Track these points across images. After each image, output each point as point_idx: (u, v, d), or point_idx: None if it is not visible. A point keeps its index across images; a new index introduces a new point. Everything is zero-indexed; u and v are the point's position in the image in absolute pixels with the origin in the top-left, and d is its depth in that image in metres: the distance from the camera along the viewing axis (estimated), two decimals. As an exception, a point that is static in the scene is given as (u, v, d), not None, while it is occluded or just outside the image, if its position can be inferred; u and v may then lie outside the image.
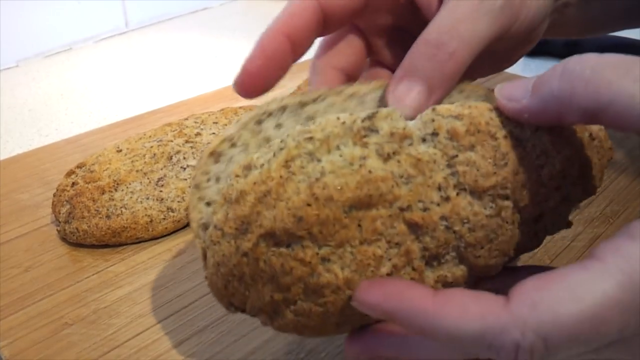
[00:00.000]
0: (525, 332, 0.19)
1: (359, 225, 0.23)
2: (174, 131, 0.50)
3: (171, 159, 0.47)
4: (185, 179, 0.46)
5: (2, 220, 0.47)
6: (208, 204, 0.27)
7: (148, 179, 0.45)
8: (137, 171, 0.46)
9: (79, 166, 0.47)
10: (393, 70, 0.32)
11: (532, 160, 0.24)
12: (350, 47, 0.32)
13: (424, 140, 0.24)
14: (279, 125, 0.27)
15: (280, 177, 0.23)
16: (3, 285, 0.40)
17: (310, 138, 0.23)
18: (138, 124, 0.62)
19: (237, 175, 0.24)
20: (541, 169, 0.25)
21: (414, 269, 0.24)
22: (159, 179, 0.45)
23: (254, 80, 0.28)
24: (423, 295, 0.21)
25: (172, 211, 0.44)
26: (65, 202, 0.44)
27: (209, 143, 0.48)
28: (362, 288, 0.23)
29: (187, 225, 0.46)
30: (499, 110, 0.24)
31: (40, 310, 0.38)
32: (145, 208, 0.44)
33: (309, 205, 0.23)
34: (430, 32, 0.26)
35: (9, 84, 0.78)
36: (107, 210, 0.43)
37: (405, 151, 0.23)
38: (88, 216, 0.43)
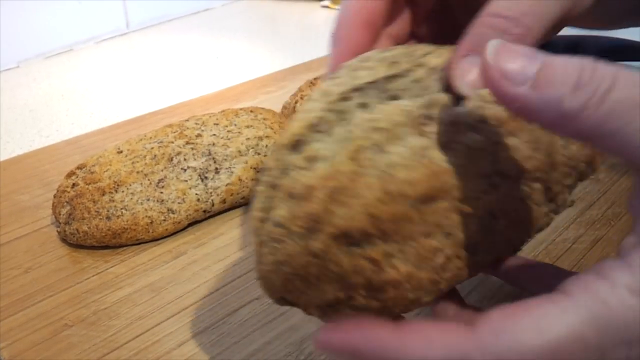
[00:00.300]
0: (486, 359, 0.20)
1: (423, 219, 0.23)
2: (174, 132, 0.50)
3: (172, 160, 0.47)
4: (186, 180, 0.45)
5: (2, 221, 0.47)
6: None
7: (148, 180, 0.45)
8: (137, 172, 0.45)
9: (80, 167, 0.47)
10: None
11: (557, 141, 0.25)
12: (400, 16, 0.31)
13: (472, 127, 0.23)
14: (363, 105, 0.25)
15: (351, 171, 0.22)
16: (3, 286, 0.40)
17: (377, 128, 0.22)
18: (139, 125, 0.62)
19: (300, 167, 0.23)
20: (564, 149, 0.25)
21: (459, 258, 0.24)
22: (160, 180, 0.45)
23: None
24: (386, 330, 0.21)
25: (173, 212, 0.44)
26: (65, 203, 0.44)
27: (210, 144, 0.48)
28: (323, 332, 0.23)
29: (188, 226, 0.46)
30: None
31: (40, 312, 0.38)
32: (146, 209, 0.44)
33: (382, 202, 0.22)
34: (503, 6, 0.24)
35: (9, 84, 0.78)
36: (108, 211, 0.43)
37: (458, 139, 0.23)
38: (88, 217, 0.43)
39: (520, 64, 0.20)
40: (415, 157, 0.22)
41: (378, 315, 0.23)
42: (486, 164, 0.23)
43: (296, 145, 0.24)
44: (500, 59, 0.20)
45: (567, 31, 0.39)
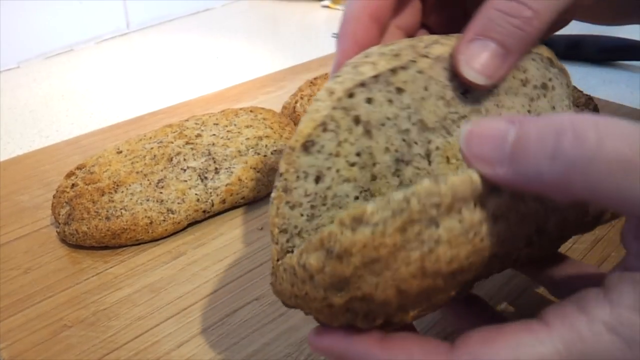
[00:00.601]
0: None
1: (448, 285, 0.22)
2: (174, 132, 0.50)
3: (171, 160, 0.46)
4: (186, 181, 0.45)
5: (2, 221, 0.47)
6: (292, 207, 0.25)
7: (148, 180, 0.45)
8: (137, 173, 0.45)
9: (79, 167, 0.47)
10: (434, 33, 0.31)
11: None
12: (409, 6, 0.31)
13: (533, 196, 0.23)
14: (369, 100, 0.25)
15: (394, 245, 0.20)
16: (2, 287, 0.40)
17: (438, 205, 0.20)
18: (139, 125, 0.62)
19: (343, 225, 0.21)
20: None
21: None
22: (159, 181, 0.45)
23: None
24: (372, 341, 0.22)
25: (172, 213, 0.44)
26: (64, 204, 0.44)
27: (209, 144, 0.48)
28: (314, 333, 0.24)
29: (187, 227, 0.46)
30: None
31: (40, 312, 0.38)
32: (145, 210, 0.44)
33: (415, 277, 0.21)
34: None
35: (9, 85, 0.78)
36: (107, 211, 0.43)
37: (516, 207, 0.22)
38: (88, 218, 0.43)
39: (492, 145, 0.19)
40: (465, 234, 0.21)
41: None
42: (532, 226, 0.23)
43: (308, 146, 0.24)
44: (473, 147, 0.20)
45: (569, 30, 0.39)
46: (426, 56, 0.25)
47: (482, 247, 0.22)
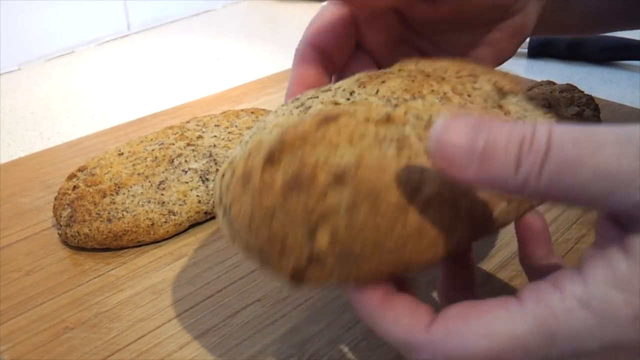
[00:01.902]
0: (435, 356, 0.21)
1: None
2: (175, 134, 0.50)
3: (173, 162, 0.47)
4: (187, 182, 0.45)
5: (3, 224, 0.47)
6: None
7: (149, 182, 0.45)
8: (138, 174, 0.45)
9: (80, 169, 0.47)
10: (374, 57, 0.34)
11: None
12: (337, 29, 0.33)
13: None
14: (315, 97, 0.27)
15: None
16: (4, 289, 0.40)
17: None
18: (140, 127, 0.62)
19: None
20: None
21: None
22: (161, 182, 0.45)
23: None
24: (375, 297, 0.23)
25: (174, 214, 0.44)
26: (66, 206, 0.44)
27: (211, 146, 0.48)
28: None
29: (189, 228, 0.46)
30: None
31: (41, 314, 0.38)
32: (147, 211, 0.44)
33: None
34: None
35: (10, 87, 0.78)
36: (109, 213, 0.43)
37: None
38: (89, 220, 0.43)
39: (461, 154, 0.20)
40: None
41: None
42: None
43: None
44: (442, 152, 0.20)
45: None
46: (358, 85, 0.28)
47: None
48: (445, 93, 0.27)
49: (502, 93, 0.29)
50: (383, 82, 0.27)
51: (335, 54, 0.32)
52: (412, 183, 0.23)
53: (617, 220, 0.21)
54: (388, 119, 0.24)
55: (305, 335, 0.36)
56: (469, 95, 0.27)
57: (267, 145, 0.24)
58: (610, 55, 0.77)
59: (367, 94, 0.27)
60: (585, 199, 0.19)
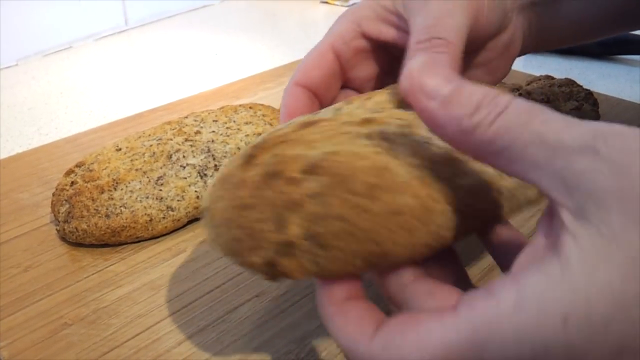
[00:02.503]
0: None
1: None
2: (173, 129, 0.50)
3: (171, 157, 0.46)
4: (185, 178, 0.45)
5: (1, 219, 0.47)
6: None
7: (147, 177, 0.45)
8: (136, 170, 0.45)
9: (78, 165, 0.47)
10: (361, 92, 0.35)
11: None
12: (322, 68, 0.34)
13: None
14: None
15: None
16: (2, 285, 0.40)
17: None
18: (138, 123, 0.62)
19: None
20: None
21: None
22: (159, 178, 0.45)
23: None
24: (335, 297, 0.23)
25: (172, 210, 0.44)
26: (64, 202, 0.44)
27: (209, 141, 0.48)
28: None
29: (187, 224, 0.46)
30: None
31: (40, 311, 0.38)
32: (145, 207, 0.43)
33: None
34: (419, 33, 0.27)
35: (8, 82, 0.78)
36: (107, 209, 0.43)
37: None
38: (87, 215, 0.43)
39: (436, 82, 0.21)
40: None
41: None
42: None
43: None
44: (423, 74, 0.22)
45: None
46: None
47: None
48: None
49: None
50: (369, 98, 0.28)
51: (322, 93, 0.34)
52: (385, 166, 0.23)
53: (554, 216, 0.21)
54: (369, 121, 0.25)
55: (304, 331, 0.36)
56: None
57: (248, 148, 0.25)
58: (609, 49, 0.77)
59: (353, 108, 0.28)
60: (522, 163, 0.20)
